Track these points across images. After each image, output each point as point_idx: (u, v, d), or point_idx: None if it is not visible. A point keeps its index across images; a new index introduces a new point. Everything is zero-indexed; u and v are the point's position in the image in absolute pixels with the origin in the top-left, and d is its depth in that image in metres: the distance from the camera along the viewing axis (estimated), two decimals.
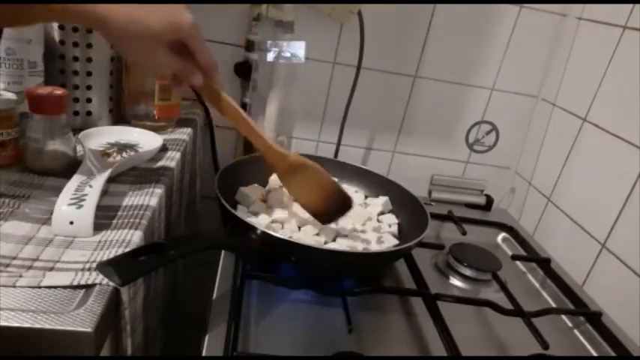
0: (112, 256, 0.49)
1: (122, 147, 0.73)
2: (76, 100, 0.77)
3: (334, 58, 0.98)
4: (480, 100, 1.05)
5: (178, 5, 0.53)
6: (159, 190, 0.65)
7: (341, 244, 0.72)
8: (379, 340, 0.64)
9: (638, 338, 0.72)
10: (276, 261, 0.69)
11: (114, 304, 0.47)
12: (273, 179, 0.83)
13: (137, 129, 0.79)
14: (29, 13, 0.49)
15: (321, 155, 0.94)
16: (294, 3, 0.90)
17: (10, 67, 0.68)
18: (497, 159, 1.10)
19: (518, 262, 0.91)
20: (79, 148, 0.69)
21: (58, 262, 0.48)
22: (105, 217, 0.56)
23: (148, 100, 0.81)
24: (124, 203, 0.60)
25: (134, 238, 0.53)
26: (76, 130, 0.70)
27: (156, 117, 0.82)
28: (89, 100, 0.78)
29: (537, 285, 0.86)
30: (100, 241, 0.52)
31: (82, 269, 0.48)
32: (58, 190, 0.55)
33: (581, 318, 0.76)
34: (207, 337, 0.57)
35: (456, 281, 0.81)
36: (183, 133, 0.85)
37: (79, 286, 0.46)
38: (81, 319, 0.42)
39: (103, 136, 0.74)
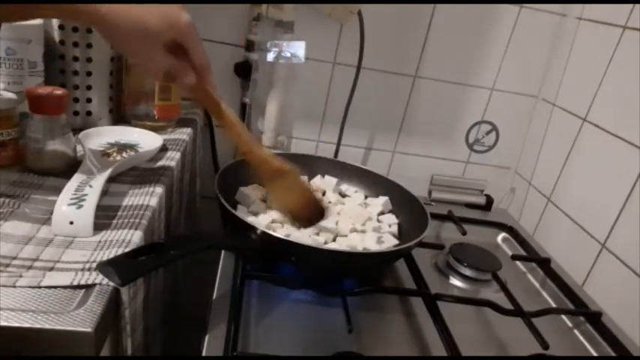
0: (112, 256, 0.49)
1: (122, 147, 0.73)
2: (76, 100, 0.77)
3: (334, 58, 0.98)
4: (480, 100, 1.05)
5: (176, 4, 0.53)
6: (159, 190, 0.65)
7: (341, 244, 0.72)
8: (379, 340, 0.64)
9: (638, 338, 0.72)
10: (276, 261, 0.69)
11: (114, 304, 0.47)
12: None
13: (137, 129, 0.79)
14: (37, 8, 0.50)
15: (321, 155, 0.94)
16: (294, 3, 0.90)
17: (10, 67, 0.68)
18: (497, 159, 1.10)
19: (518, 262, 0.91)
20: (79, 148, 0.69)
21: (58, 262, 0.48)
22: (105, 217, 0.56)
23: (148, 100, 0.81)
24: (124, 203, 0.60)
25: (134, 238, 0.53)
26: (76, 130, 0.70)
27: (156, 117, 0.82)
28: (89, 100, 0.78)
29: (537, 285, 0.86)
30: (100, 241, 0.52)
31: (82, 269, 0.48)
32: (58, 190, 0.55)
33: (581, 318, 0.76)
34: (207, 337, 0.57)
35: (456, 281, 0.81)
36: (183, 133, 0.85)
37: (79, 286, 0.46)
38: (81, 319, 0.42)
39: (103, 136, 0.74)
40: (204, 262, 0.77)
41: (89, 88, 0.77)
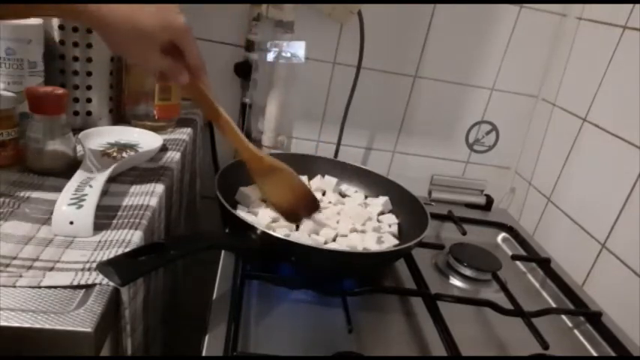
0: (112, 256, 0.49)
1: (122, 147, 0.73)
2: (76, 100, 0.77)
3: (334, 58, 0.98)
4: (480, 100, 1.05)
5: (172, 5, 0.54)
6: (159, 190, 0.65)
7: (341, 244, 0.72)
8: (379, 340, 0.64)
9: (638, 338, 0.72)
10: (276, 261, 0.69)
11: (114, 304, 0.47)
12: None
13: (137, 129, 0.79)
14: (37, 8, 0.50)
15: (321, 155, 0.94)
16: (294, 3, 0.90)
17: (10, 67, 0.68)
18: (497, 159, 1.10)
19: (518, 262, 0.91)
20: (79, 148, 0.69)
21: (58, 262, 0.48)
22: (105, 217, 0.56)
23: (148, 100, 0.81)
24: (124, 203, 0.60)
25: (134, 238, 0.53)
26: (76, 130, 0.70)
27: (156, 117, 0.82)
28: (89, 100, 0.78)
29: (537, 285, 0.86)
30: (100, 241, 0.52)
31: (82, 269, 0.47)
32: (58, 190, 0.55)
33: (581, 318, 0.76)
34: (207, 337, 0.57)
35: (456, 281, 0.81)
36: (183, 133, 0.85)
37: (79, 286, 0.46)
38: (81, 319, 0.42)
39: (103, 136, 0.74)
40: (204, 262, 0.77)
41: (89, 88, 0.77)
